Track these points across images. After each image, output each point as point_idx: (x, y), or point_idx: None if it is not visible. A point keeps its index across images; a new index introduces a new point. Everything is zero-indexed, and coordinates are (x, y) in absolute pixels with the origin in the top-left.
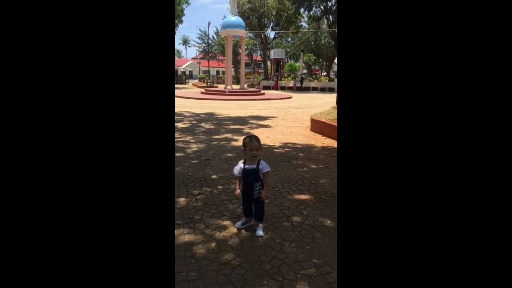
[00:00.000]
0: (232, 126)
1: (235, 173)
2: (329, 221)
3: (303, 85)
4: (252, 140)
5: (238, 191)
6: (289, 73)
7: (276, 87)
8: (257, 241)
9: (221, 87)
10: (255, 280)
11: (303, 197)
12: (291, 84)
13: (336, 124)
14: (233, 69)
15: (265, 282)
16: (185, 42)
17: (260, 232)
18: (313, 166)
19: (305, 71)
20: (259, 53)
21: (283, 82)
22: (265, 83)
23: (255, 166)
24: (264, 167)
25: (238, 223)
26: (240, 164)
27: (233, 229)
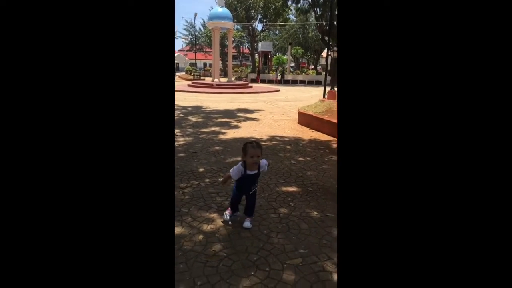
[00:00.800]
0: (219, 119)
1: (234, 177)
2: (315, 212)
3: (283, 78)
4: (253, 146)
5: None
6: (276, 66)
7: (257, 80)
8: (244, 232)
9: (208, 79)
10: (242, 270)
11: (290, 189)
12: (273, 77)
13: (322, 117)
14: (220, 62)
15: (252, 273)
16: None
17: (248, 224)
18: (300, 158)
19: (292, 64)
20: (246, 46)
21: (270, 75)
22: (252, 76)
23: (256, 171)
24: (264, 165)
25: (226, 217)
26: (240, 168)
27: (221, 222)
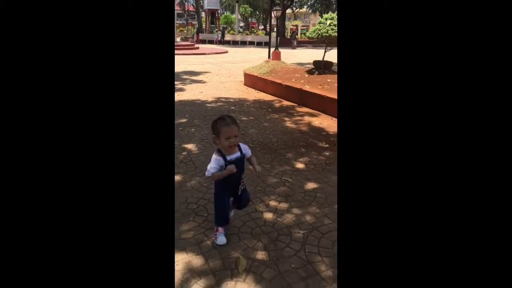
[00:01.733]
0: None
1: (216, 176)
2: None
3: (223, 38)
4: (228, 123)
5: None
6: (225, 25)
7: (197, 40)
8: (185, 186)
9: None
10: (182, 217)
11: None
12: (214, 37)
13: (266, 77)
14: None
15: (191, 218)
16: None
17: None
18: (243, 118)
19: (242, 24)
20: (191, 3)
21: (214, 36)
22: (200, 36)
23: (239, 153)
24: (247, 150)
25: (222, 239)
26: (218, 158)
27: None
